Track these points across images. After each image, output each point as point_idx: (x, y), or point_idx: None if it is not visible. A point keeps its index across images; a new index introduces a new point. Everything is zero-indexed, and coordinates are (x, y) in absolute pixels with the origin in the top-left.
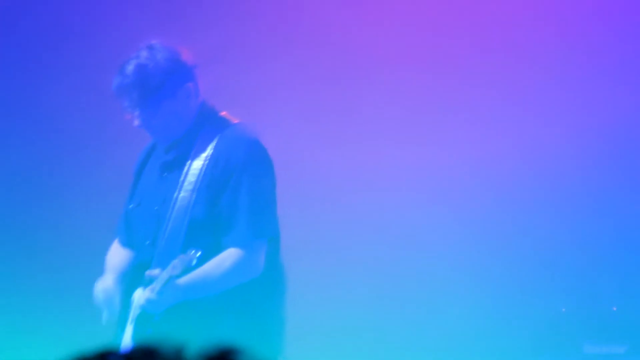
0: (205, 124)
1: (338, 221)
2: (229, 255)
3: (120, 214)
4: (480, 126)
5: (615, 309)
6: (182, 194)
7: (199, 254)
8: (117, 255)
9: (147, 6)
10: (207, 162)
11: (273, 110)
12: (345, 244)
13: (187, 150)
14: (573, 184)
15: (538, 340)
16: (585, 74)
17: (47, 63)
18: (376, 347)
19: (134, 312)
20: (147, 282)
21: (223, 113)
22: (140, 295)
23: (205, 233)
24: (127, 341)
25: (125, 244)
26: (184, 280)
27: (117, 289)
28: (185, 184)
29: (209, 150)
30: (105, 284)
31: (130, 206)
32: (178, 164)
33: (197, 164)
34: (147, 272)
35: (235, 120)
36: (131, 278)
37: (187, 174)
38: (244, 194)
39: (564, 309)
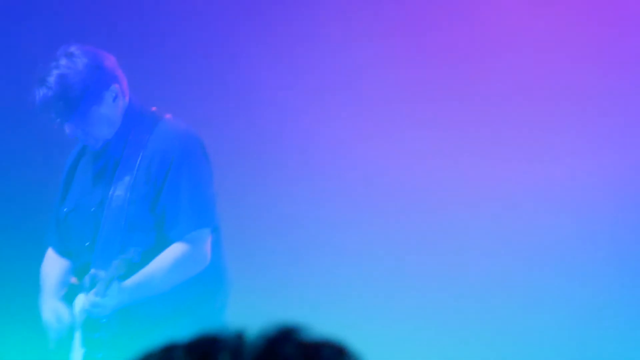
0: (136, 122)
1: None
2: (174, 250)
3: (50, 220)
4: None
5: None
6: (117, 193)
7: (138, 251)
8: (54, 266)
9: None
10: (141, 159)
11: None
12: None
13: (119, 150)
14: None
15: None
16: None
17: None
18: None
19: (79, 317)
20: (88, 286)
21: (153, 109)
22: (84, 300)
23: (145, 231)
24: (77, 348)
25: (61, 250)
26: (129, 281)
27: (63, 305)
28: (120, 182)
29: (142, 148)
30: (52, 305)
31: (65, 210)
32: (111, 165)
33: (130, 163)
34: (90, 273)
35: (167, 116)
36: (73, 284)
37: (121, 173)
38: (184, 186)
39: None
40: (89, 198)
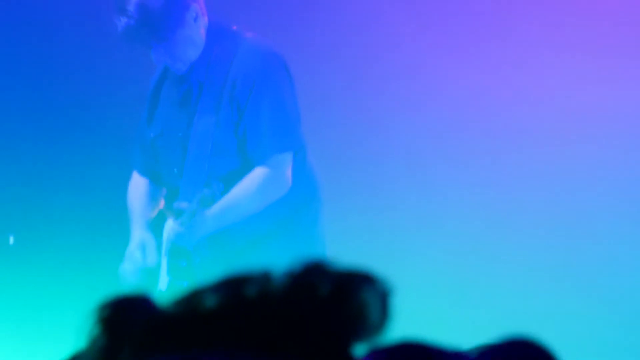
0: (218, 42)
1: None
2: (254, 176)
3: (135, 142)
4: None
5: None
6: (203, 117)
7: (220, 186)
8: (142, 190)
9: None
10: (225, 82)
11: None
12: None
13: (203, 72)
14: None
15: None
16: None
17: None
18: None
19: (165, 246)
20: (176, 214)
21: (234, 27)
22: (170, 228)
23: (230, 155)
24: (163, 275)
25: (148, 173)
26: (212, 210)
27: (151, 237)
28: (206, 107)
29: (225, 70)
30: (140, 236)
31: (152, 135)
32: (196, 88)
33: (215, 86)
34: (175, 204)
35: (248, 35)
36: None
37: (206, 96)
38: (265, 108)
39: None
40: (176, 123)
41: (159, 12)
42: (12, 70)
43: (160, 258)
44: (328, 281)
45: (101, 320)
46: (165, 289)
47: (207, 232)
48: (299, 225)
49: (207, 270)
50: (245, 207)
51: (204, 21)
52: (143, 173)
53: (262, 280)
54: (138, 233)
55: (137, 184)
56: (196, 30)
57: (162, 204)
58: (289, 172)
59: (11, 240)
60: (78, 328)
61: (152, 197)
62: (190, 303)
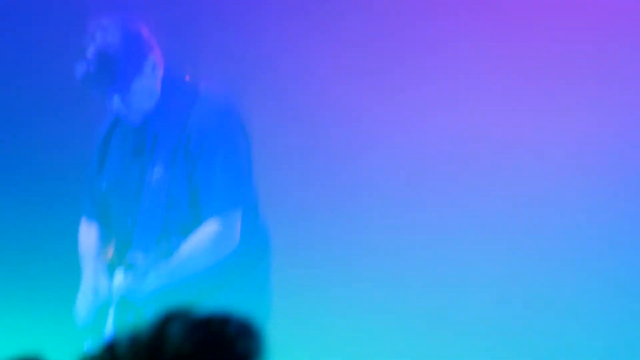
0: (172, 94)
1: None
2: (202, 231)
3: (84, 190)
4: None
5: None
6: (157, 169)
7: (179, 239)
8: (93, 237)
9: None
10: (181, 135)
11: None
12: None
13: (158, 124)
14: None
15: None
16: None
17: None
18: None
19: (114, 297)
20: (128, 266)
21: (187, 78)
22: (120, 281)
23: (184, 207)
24: (109, 327)
25: (99, 221)
26: (162, 265)
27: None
28: (160, 158)
29: (181, 123)
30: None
31: (104, 185)
32: (150, 139)
33: (170, 138)
34: (129, 256)
35: (202, 84)
36: (111, 259)
37: (161, 148)
38: (217, 163)
39: None
40: (129, 173)
41: (118, 60)
42: None
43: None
44: (186, 329)
45: None
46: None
47: (156, 287)
48: (248, 282)
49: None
50: (193, 263)
51: (160, 72)
52: (92, 217)
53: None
54: (90, 274)
55: (88, 230)
56: (153, 80)
57: (110, 252)
58: (237, 229)
59: None
60: None
61: (103, 243)
62: None
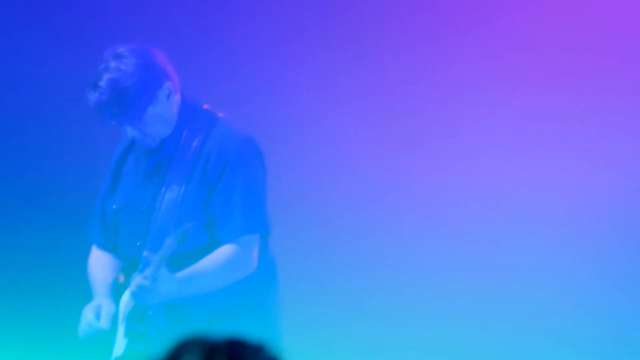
0: (190, 119)
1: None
2: (222, 252)
3: (94, 216)
4: None
5: None
6: (169, 191)
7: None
8: (102, 263)
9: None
10: (197, 158)
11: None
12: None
13: (173, 147)
14: None
15: None
16: None
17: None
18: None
19: (125, 310)
20: (139, 269)
21: (205, 106)
22: (128, 300)
23: (197, 230)
24: (121, 339)
25: (108, 247)
26: (179, 274)
27: (110, 302)
28: (173, 181)
29: (197, 146)
30: (99, 302)
31: (114, 207)
32: (165, 162)
33: (185, 161)
34: (143, 256)
35: (219, 114)
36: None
37: (175, 171)
38: (237, 189)
39: None
40: (141, 194)
41: (131, 89)
42: None
43: (116, 324)
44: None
45: None
46: (122, 352)
47: (168, 294)
48: (258, 307)
49: (164, 336)
50: (210, 280)
51: (176, 99)
52: (103, 247)
53: None
54: (98, 297)
55: (98, 257)
56: (168, 107)
57: (121, 278)
58: (255, 253)
59: None
60: None
61: (113, 269)
62: None
